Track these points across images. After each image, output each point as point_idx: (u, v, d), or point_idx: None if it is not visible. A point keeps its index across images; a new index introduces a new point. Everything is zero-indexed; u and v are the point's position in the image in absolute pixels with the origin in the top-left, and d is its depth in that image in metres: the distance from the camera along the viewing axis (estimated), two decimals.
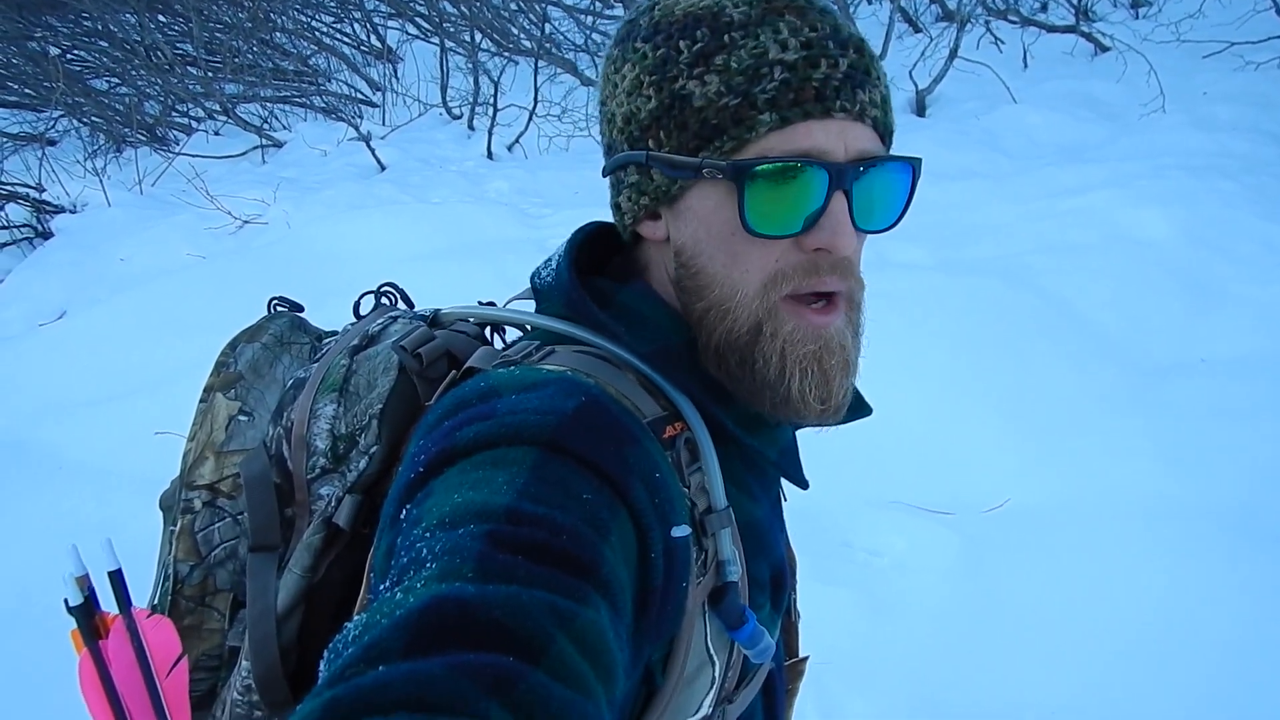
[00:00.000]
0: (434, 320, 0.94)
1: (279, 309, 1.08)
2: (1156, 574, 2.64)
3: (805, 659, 1.04)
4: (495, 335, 0.98)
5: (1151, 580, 2.63)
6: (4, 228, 6.62)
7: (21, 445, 3.73)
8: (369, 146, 7.57)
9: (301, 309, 1.09)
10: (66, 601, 0.86)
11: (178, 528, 0.93)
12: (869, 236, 0.81)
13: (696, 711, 0.77)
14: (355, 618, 0.53)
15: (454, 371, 0.84)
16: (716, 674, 0.77)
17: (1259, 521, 2.80)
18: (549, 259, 0.88)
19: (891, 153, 0.80)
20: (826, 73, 0.74)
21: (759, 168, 0.73)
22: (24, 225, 6.69)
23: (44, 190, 6.78)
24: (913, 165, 0.79)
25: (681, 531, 0.70)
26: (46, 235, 6.58)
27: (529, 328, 0.88)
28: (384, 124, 8.72)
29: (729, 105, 0.74)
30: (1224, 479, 2.99)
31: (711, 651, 0.77)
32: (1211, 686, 2.31)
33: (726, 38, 0.75)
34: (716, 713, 0.79)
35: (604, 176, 0.87)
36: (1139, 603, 2.56)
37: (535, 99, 7.79)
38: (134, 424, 3.75)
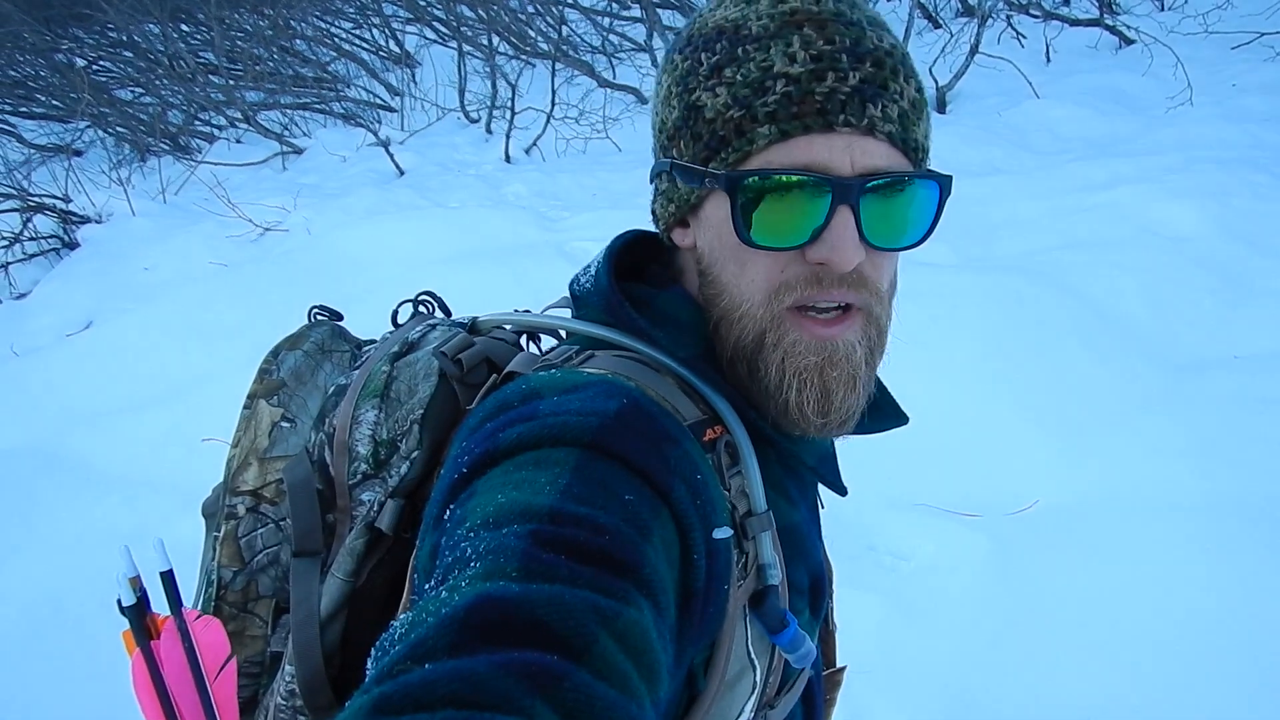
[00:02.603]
0: (472, 327, 0.96)
1: (320, 317, 1.09)
2: (1191, 574, 2.59)
3: (843, 669, 1.04)
4: (531, 342, 0.99)
5: (1186, 580, 2.57)
6: (32, 239, 6.72)
7: (51, 454, 3.77)
8: (388, 152, 7.61)
9: (341, 317, 1.10)
10: (120, 602, 0.88)
11: (221, 533, 0.95)
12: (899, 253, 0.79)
13: (738, 717, 0.77)
14: (400, 616, 0.54)
15: (494, 376, 0.85)
16: (758, 679, 0.77)
17: None
18: (587, 266, 0.89)
19: (922, 169, 0.78)
20: (833, 86, 0.73)
21: (748, 180, 0.73)
22: (51, 236, 6.79)
23: (70, 201, 6.88)
24: (940, 183, 0.77)
25: (723, 533, 0.70)
26: (73, 246, 6.68)
27: (566, 333, 0.89)
28: (402, 129, 8.77)
29: (733, 117, 0.75)
30: (1259, 475, 2.93)
31: (753, 656, 0.76)
32: (1249, 686, 2.26)
33: (740, 50, 0.76)
34: (758, 719, 0.79)
35: (650, 183, 0.89)
36: (1173, 603, 2.51)
37: (553, 101, 7.81)
38: (161, 431, 3.78)
